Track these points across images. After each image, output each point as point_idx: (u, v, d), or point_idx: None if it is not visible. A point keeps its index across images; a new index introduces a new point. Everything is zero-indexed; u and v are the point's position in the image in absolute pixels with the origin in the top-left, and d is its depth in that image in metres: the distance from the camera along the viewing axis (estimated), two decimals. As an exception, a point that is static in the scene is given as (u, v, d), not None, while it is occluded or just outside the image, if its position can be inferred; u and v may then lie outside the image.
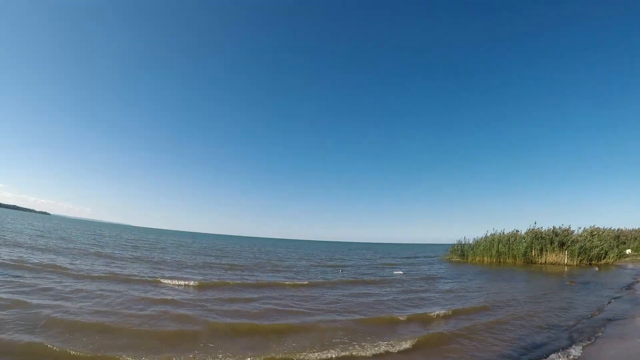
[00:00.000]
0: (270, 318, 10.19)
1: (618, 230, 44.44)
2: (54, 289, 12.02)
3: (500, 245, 35.32)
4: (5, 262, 16.39)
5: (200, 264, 24.68)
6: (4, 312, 8.84)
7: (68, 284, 13.17)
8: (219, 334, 8.51)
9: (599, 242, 33.89)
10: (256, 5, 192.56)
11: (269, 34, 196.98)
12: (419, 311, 11.63)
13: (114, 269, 17.80)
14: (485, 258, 35.71)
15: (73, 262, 18.83)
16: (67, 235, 42.70)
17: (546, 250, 33.43)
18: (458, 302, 13.66)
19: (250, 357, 7.01)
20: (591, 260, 32.57)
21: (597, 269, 28.92)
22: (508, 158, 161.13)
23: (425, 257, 49.02)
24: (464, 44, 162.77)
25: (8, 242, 25.17)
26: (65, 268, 16.46)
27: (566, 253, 32.59)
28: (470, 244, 38.03)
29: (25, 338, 7.26)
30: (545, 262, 33.16)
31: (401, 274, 23.85)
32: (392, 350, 7.75)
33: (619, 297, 14.81)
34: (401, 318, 10.52)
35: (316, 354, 7.33)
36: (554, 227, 34.71)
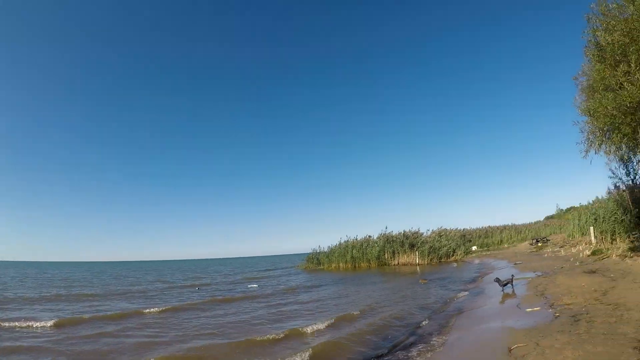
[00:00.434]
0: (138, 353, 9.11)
1: (464, 229, 50.82)
2: None
3: (354, 251, 37.12)
4: None
5: (50, 296, 21.98)
6: None
7: None
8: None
9: (446, 242, 37.73)
10: None
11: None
12: (299, 323, 11.64)
13: None
14: (341, 264, 37.50)
15: None
16: None
17: (398, 253, 36.02)
18: (329, 311, 13.91)
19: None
20: (440, 258, 35.84)
21: (455, 264, 32.15)
22: (352, 165, 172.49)
23: (284, 267, 50.73)
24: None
25: None
26: None
27: (417, 254, 35.46)
28: (325, 252, 39.90)
29: None
30: (398, 263, 35.69)
31: (256, 287, 24.42)
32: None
33: (465, 290, 16.21)
34: (282, 334, 10.18)
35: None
36: (404, 230, 37.94)
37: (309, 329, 10.56)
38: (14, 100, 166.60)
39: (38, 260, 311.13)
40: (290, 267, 49.94)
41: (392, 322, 11.10)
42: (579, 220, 26.64)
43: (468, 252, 40.50)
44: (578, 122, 12.78)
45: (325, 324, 11.05)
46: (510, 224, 54.62)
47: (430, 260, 35.09)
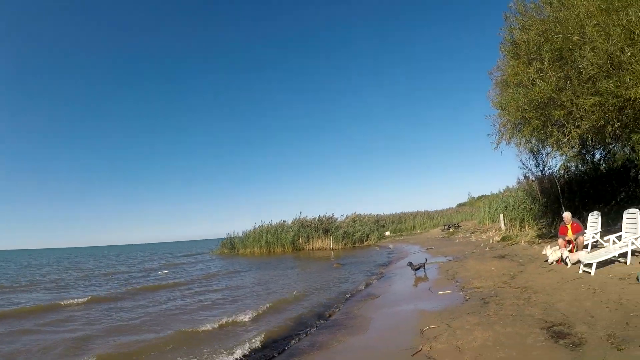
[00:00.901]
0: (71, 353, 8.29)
1: (377, 215, 52.32)
2: None
3: (268, 236, 37.69)
4: None
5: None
6: None
7: None
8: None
9: (360, 227, 39.12)
10: None
11: None
12: (228, 311, 11.44)
13: None
14: (256, 249, 37.94)
15: None
16: None
17: (313, 237, 36.93)
18: (255, 297, 13.92)
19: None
20: (354, 243, 37.14)
21: (369, 249, 33.07)
22: (267, 152, 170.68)
23: (200, 253, 50.84)
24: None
25: None
26: None
27: (331, 238, 36.54)
28: (240, 237, 40.37)
29: None
30: (313, 248, 36.61)
31: (167, 273, 24.80)
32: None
33: (379, 274, 16.79)
34: (216, 324, 9.73)
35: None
36: (319, 215, 38.85)
37: (245, 317, 10.27)
38: None
39: None
40: (206, 252, 49.60)
41: (312, 307, 11.22)
42: (489, 207, 28.75)
43: (382, 237, 42.02)
44: (490, 115, 13.45)
45: (256, 312, 10.74)
46: (423, 210, 57.24)
47: (345, 245, 36.24)
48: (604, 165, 16.93)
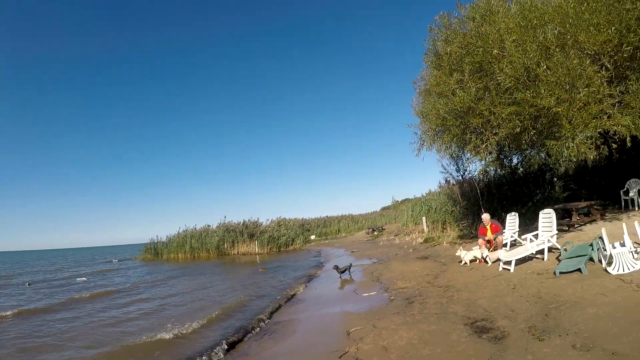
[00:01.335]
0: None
1: (302, 219, 52.65)
2: None
3: (193, 241, 37.17)
4: None
5: None
6: None
7: None
8: None
9: (286, 231, 39.41)
10: None
11: None
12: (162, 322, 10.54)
13: None
14: (180, 255, 37.32)
15: None
16: None
17: (238, 242, 36.76)
18: (189, 306, 13.14)
19: None
20: (280, 247, 37.32)
21: (294, 253, 32.84)
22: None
23: (123, 260, 47.81)
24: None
25: None
26: None
27: (256, 243, 36.59)
28: (163, 242, 39.37)
29: None
30: (238, 252, 36.38)
31: (85, 280, 23.90)
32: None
33: (305, 277, 16.81)
34: (168, 335, 9.04)
35: None
36: (244, 220, 39.06)
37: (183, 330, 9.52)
38: None
39: None
40: (129, 258, 47.52)
41: (237, 311, 11.27)
42: (412, 210, 29.94)
43: (307, 241, 42.52)
44: (412, 124, 14.09)
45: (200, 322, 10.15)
46: (347, 214, 58.43)
47: (270, 249, 36.45)
48: (521, 169, 18.48)
